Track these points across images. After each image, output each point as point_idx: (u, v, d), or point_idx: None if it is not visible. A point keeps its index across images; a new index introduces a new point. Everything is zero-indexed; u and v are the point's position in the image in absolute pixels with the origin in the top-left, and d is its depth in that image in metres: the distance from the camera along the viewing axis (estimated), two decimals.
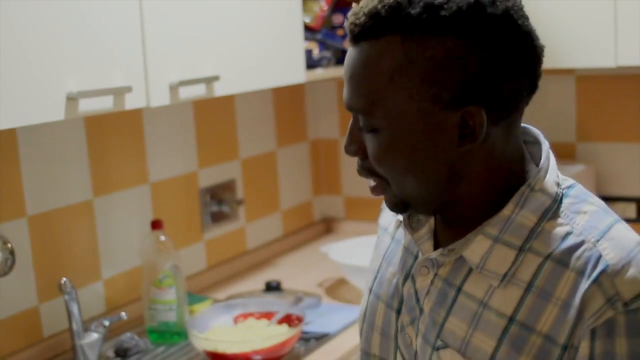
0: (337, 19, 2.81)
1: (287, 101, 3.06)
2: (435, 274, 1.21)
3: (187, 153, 2.61)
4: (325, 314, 2.33)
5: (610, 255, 1.09)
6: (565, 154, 2.91)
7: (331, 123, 3.22)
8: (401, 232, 1.33)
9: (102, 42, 1.76)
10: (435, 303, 1.21)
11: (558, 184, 1.18)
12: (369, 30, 1.11)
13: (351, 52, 1.15)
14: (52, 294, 2.13)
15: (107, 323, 2.05)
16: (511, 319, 1.13)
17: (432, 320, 1.21)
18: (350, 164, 3.20)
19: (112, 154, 2.33)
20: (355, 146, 1.18)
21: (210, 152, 2.70)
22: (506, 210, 1.15)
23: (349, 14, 1.15)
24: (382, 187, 1.19)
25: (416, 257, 1.27)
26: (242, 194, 2.84)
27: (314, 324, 2.25)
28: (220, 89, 2.09)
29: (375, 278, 1.36)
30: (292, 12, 2.37)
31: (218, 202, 2.72)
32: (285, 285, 2.56)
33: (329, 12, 2.78)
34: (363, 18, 1.11)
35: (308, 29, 2.64)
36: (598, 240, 1.11)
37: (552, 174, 1.18)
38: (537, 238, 1.14)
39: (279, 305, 2.23)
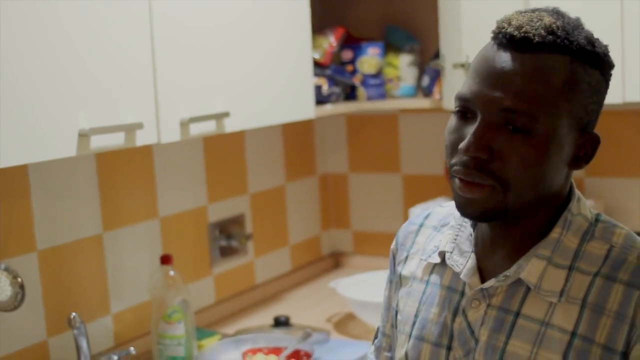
0: (346, 55, 2.83)
1: (296, 136, 3.07)
2: (488, 305, 1.28)
3: (196, 188, 2.62)
4: (334, 350, 2.32)
5: None
6: None
7: (340, 158, 3.23)
8: (436, 275, 1.38)
9: (113, 79, 1.78)
10: (493, 330, 1.26)
11: (590, 210, 1.31)
12: (545, 43, 1.19)
13: (512, 57, 1.20)
14: (61, 328, 2.13)
15: (115, 358, 2.06)
16: (573, 334, 1.21)
17: (490, 347, 1.26)
18: (359, 198, 3.20)
19: (122, 188, 2.34)
20: (484, 144, 1.20)
21: (220, 186, 2.71)
22: (554, 234, 1.26)
23: (506, 22, 1.22)
24: (491, 190, 1.21)
25: (462, 292, 1.32)
26: (251, 228, 2.84)
27: None
28: (231, 125, 2.11)
29: (414, 323, 1.38)
30: (302, 49, 2.40)
31: (227, 236, 2.72)
32: (293, 320, 2.55)
33: (338, 48, 2.80)
34: (542, 31, 1.19)
35: (317, 64, 2.66)
36: (638, 255, 1.23)
37: (584, 201, 1.31)
38: (582, 258, 1.24)
39: (288, 340, 2.23)
